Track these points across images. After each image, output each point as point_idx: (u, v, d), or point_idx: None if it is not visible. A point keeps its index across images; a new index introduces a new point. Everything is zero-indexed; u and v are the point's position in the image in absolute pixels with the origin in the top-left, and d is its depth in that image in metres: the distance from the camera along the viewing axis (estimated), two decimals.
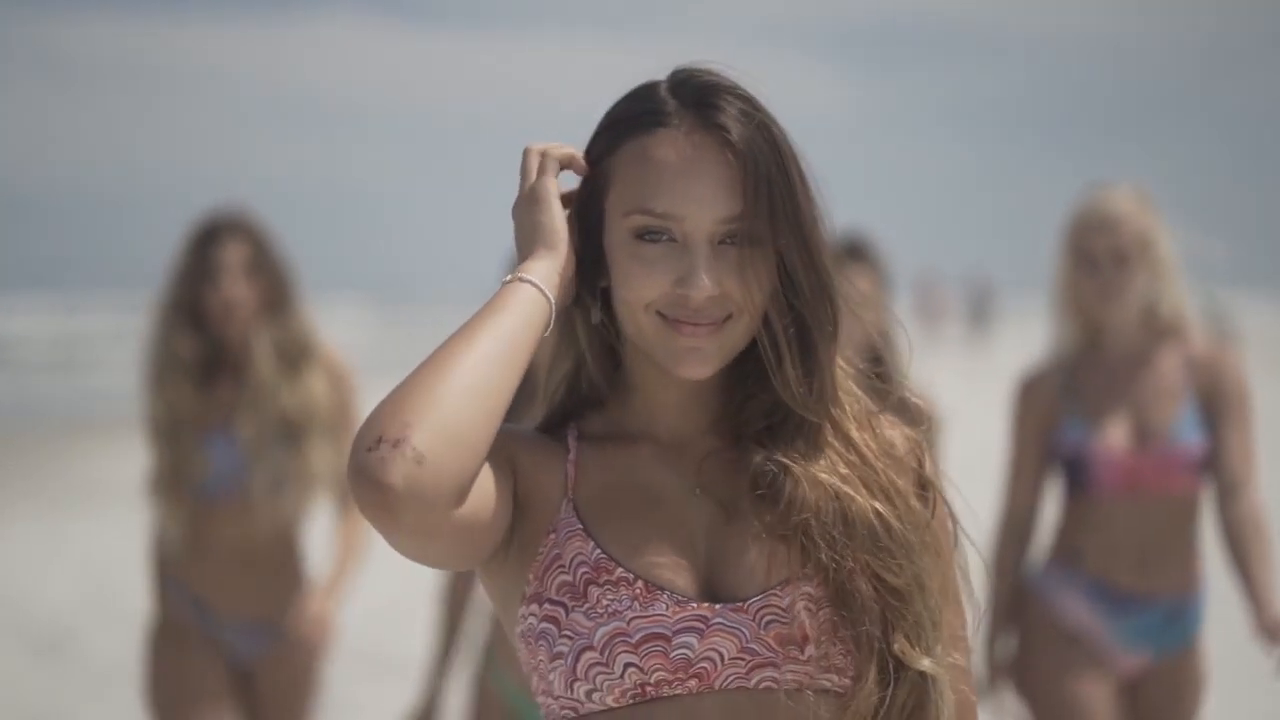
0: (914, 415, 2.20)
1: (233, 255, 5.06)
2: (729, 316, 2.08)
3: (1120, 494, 4.67)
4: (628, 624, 2.03)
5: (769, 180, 2.06)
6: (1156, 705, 4.72)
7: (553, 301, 2.07)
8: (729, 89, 2.10)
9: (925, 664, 2.07)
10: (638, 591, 2.04)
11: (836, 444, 2.12)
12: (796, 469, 2.09)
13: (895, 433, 2.17)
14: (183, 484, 5.02)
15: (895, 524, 2.09)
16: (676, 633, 2.04)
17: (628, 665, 2.03)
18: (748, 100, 2.10)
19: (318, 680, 5.24)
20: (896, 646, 2.06)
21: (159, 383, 5.06)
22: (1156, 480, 4.66)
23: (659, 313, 2.08)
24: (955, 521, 2.19)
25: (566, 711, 2.06)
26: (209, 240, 5.08)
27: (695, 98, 2.10)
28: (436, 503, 1.96)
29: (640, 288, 2.07)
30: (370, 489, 1.93)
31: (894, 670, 2.06)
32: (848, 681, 2.05)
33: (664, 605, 2.04)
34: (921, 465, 2.17)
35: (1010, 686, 4.79)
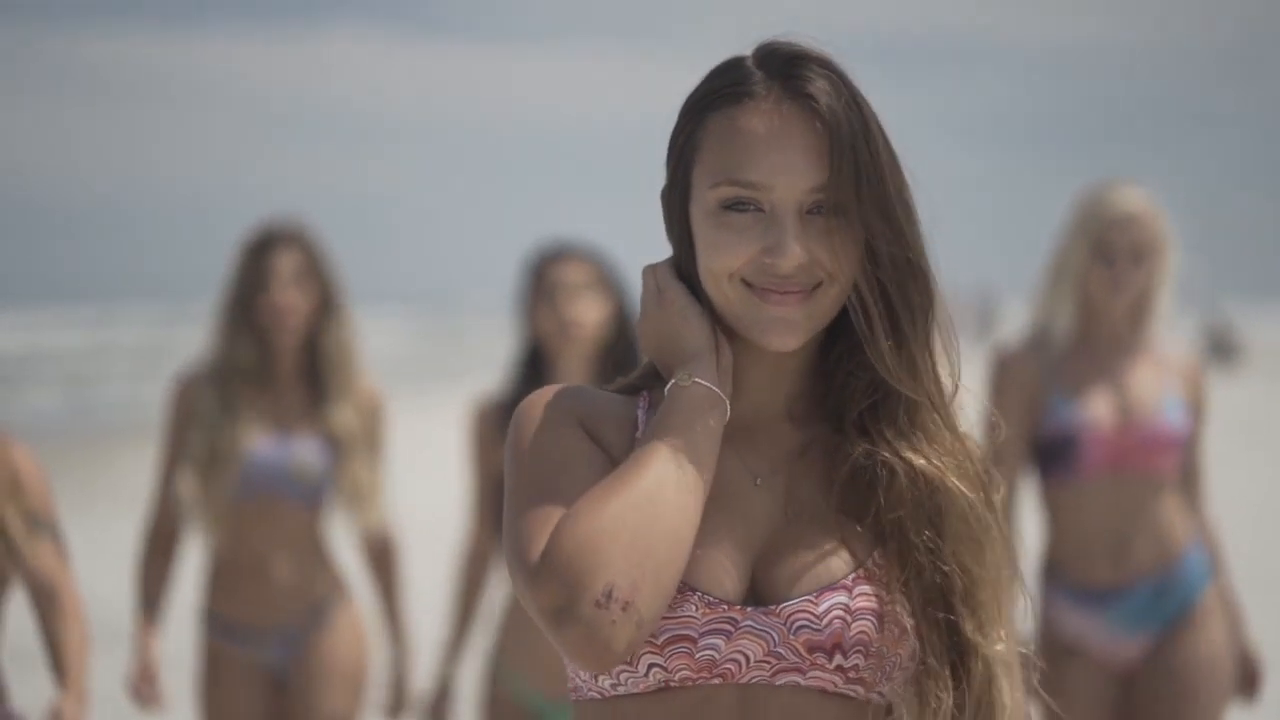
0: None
1: (285, 263, 5.07)
2: (818, 285, 2.03)
3: (1103, 473, 4.73)
4: None
5: (854, 149, 2.01)
6: (1173, 675, 4.73)
7: (727, 399, 2.05)
8: (816, 59, 2.06)
9: (999, 649, 2.04)
10: None
11: (933, 424, 2.08)
12: (897, 463, 2.05)
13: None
14: (221, 486, 4.97)
15: (984, 512, 2.06)
16: (703, 634, 1.99)
17: (651, 665, 2.00)
18: (835, 71, 2.06)
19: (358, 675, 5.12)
20: (970, 636, 2.03)
21: (214, 387, 5.03)
22: (1140, 458, 4.74)
23: (744, 281, 2.03)
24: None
25: (593, 694, 2.05)
26: (263, 248, 5.09)
27: (782, 68, 2.05)
28: (634, 653, 1.99)
29: (727, 256, 2.03)
30: (592, 646, 1.92)
31: (965, 666, 2.04)
32: (874, 696, 2.03)
33: (694, 607, 1.99)
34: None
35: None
